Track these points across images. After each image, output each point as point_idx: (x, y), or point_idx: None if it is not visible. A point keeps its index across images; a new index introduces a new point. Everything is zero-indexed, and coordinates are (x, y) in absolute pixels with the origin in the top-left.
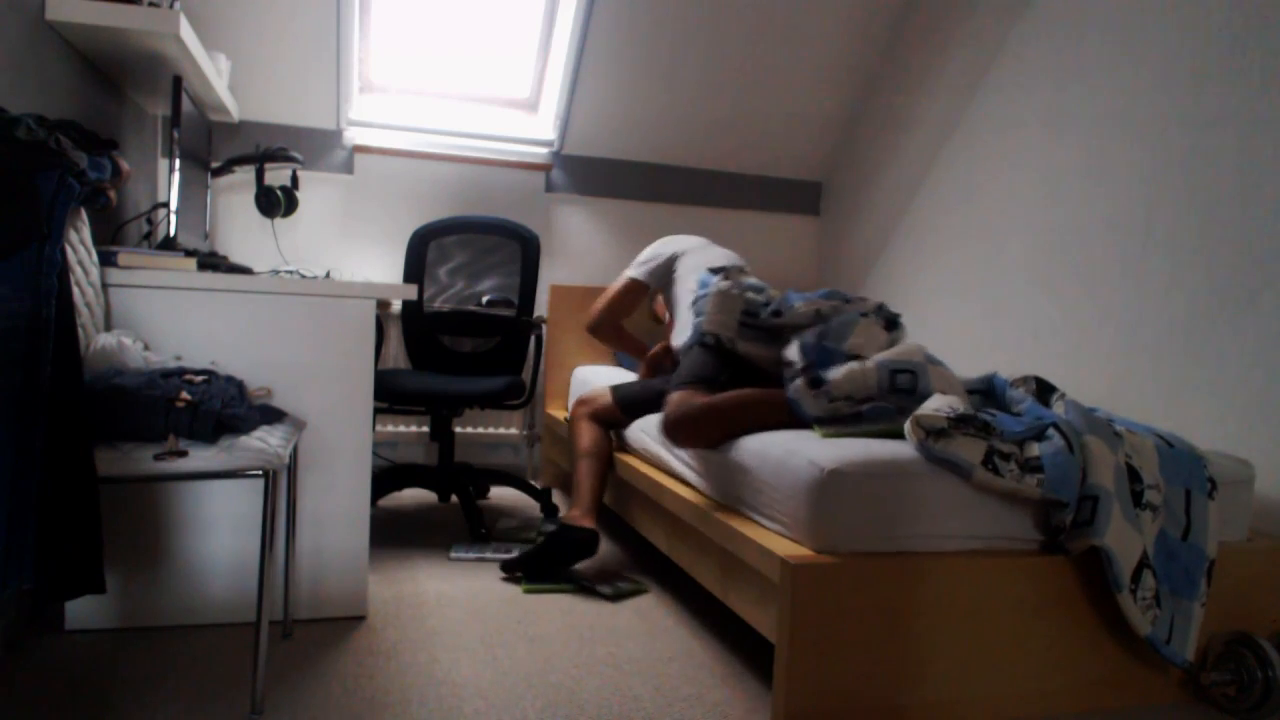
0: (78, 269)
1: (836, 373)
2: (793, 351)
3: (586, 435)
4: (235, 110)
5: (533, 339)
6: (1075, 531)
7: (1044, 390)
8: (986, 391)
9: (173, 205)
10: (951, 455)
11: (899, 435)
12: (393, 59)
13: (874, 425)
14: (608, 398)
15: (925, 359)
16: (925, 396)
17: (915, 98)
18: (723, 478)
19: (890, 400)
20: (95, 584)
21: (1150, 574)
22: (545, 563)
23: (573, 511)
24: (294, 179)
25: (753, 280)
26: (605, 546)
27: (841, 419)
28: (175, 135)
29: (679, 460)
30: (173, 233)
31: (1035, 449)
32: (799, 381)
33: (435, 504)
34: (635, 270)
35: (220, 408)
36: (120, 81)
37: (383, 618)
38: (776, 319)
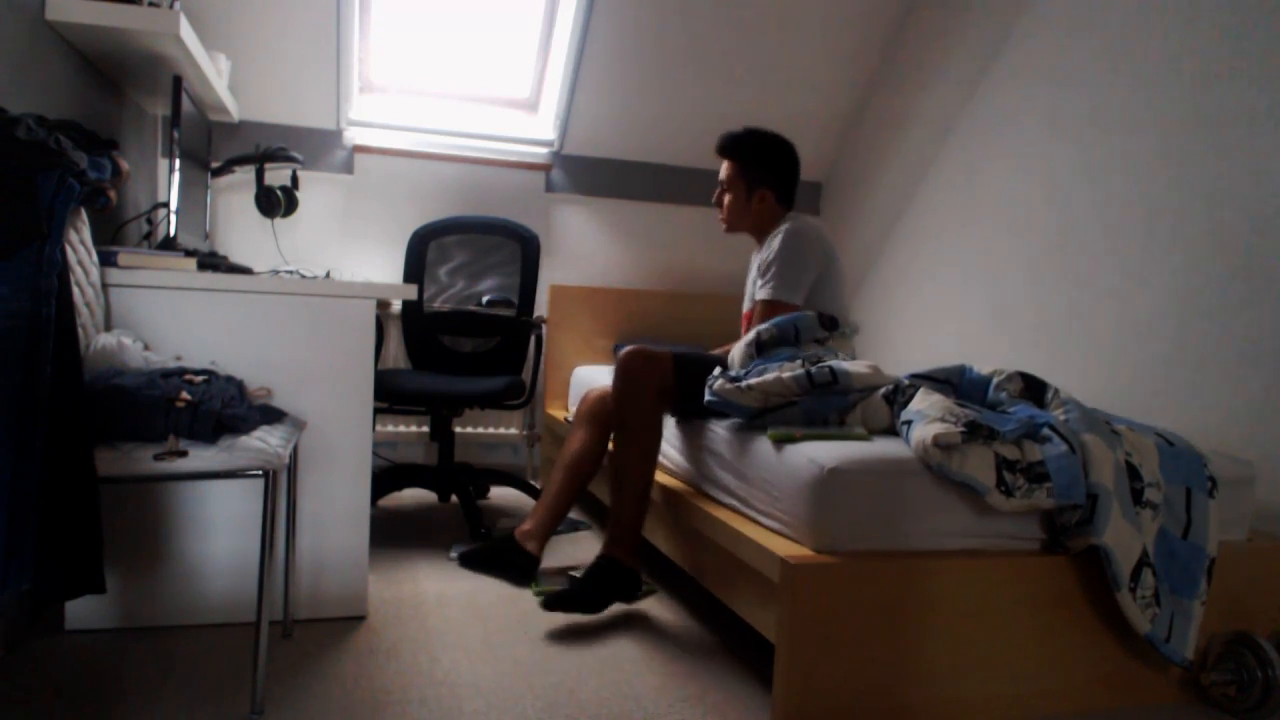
0: (78, 269)
1: (754, 379)
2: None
3: (575, 443)
4: (235, 110)
5: (533, 339)
6: (1075, 530)
7: (1034, 388)
8: (956, 383)
9: (173, 205)
10: (968, 478)
11: (852, 439)
12: (393, 59)
13: (824, 430)
14: (668, 358)
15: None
16: (848, 387)
17: (915, 98)
18: (722, 475)
19: (814, 396)
20: (95, 584)
21: (1150, 572)
22: (485, 563)
23: (525, 525)
24: (294, 179)
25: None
26: None
27: (776, 408)
28: (175, 135)
29: (679, 457)
30: (173, 233)
31: (1037, 452)
32: (719, 383)
33: (435, 504)
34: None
35: (220, 408)
36: (120, 81)
37: (383, 618)
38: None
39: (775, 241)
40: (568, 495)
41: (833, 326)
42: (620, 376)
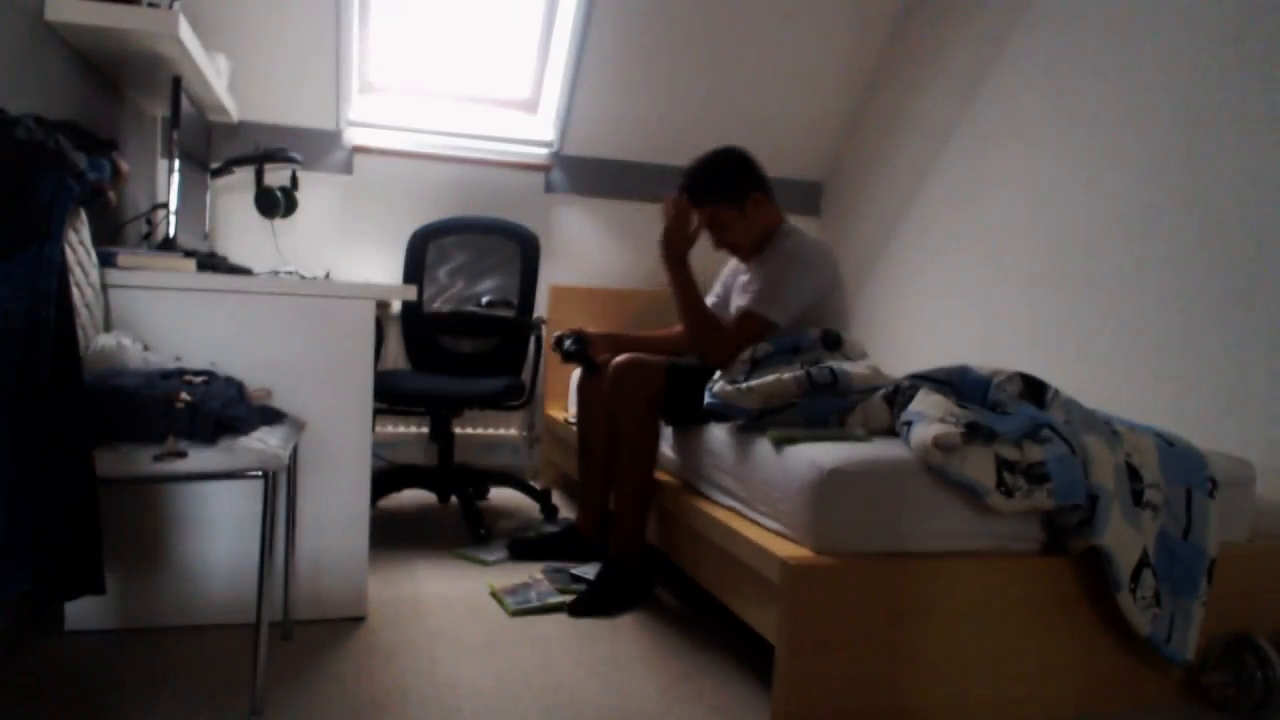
0: (77, 269)
1: (754, 381)
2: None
3: (641, 430)
4: (235, 110)
5: (532, 339)
6: (1075, 531)
7: (1034, 388)
8: (956, 384)
9: (172, 205)
10: (968, 479)
11: (852, 439)
12: (393, 59)
13: (824, 431)
14: (660, 367)
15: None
16: (848, 388)
17: (915, 98)
18: (722, 477)
19: (814, 397)
20: (95, 584)
21: (1150, 573)
22: (605, 601)
23: (623, 548)
24: (294, 179)
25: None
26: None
27: (776, 410)
28: (175, 135)
29: (679, 458)
30: (172, 233)
31: (1038, 453)
32: (719, 385)
33: (435, 505)
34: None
35: (220, 408)
36: (120, 81)
37: (382, 618)
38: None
39: (779, 258)
40: (651, 495)
41: (835, 345)
42: (613, 387)
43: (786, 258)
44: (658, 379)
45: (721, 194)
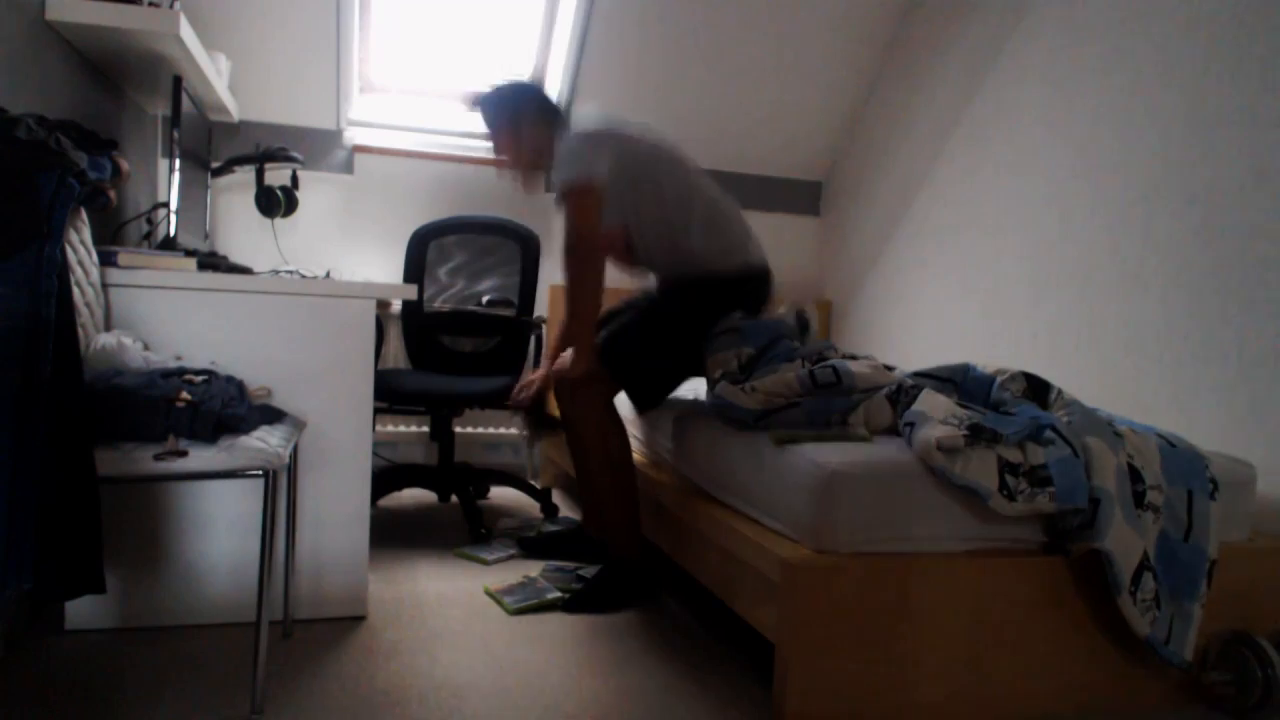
0: (78, 269)
1: (758, 379)
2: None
3: (613, 434)
4: (235, 110)
5: (532, 339)
6: (1076, 533)
7: (1037, 388)
8: (959, 382)
9: (173, 205)
10: (970, 482)
11: (854, 439)
12: (393, 59)
13: (826, 431)
14: (594, 359)
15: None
16: (851, 388)
17: (915, 98)
18: (723, 476)
19: (817, 396)
20: (95, 584)
21: (1150, 576)
22: (601, 598)
23: (618, 547)
24: (294, 179)
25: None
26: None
27: (779, 409)
28: (175, 135)
29: (680, 457)
30: (173, 233)
31: (1040, 455)
32: (721, 385)
33: (435, 504)
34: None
35: (220, 408)
36: (120, 81)
37: (383, 618)
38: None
39: (559, 158)
40: (636, 488)
41: (805, 329)
42: (560, 406)
43: (564, 148)
44: (600, 374)
45: (492, 116)
